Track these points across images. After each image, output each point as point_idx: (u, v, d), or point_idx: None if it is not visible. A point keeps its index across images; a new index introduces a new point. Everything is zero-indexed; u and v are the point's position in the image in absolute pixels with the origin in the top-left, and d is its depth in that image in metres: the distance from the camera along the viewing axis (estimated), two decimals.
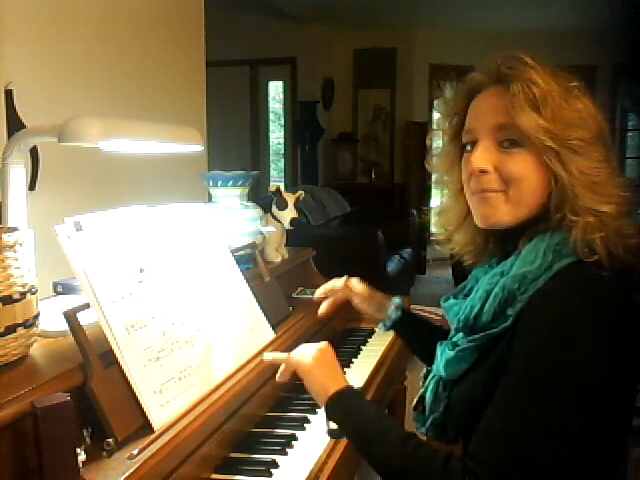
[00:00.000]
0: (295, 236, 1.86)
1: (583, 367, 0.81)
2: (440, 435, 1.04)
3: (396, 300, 1.28)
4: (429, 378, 1.06)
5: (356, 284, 1.35)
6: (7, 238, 0.89)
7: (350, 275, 1.38)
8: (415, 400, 1.12)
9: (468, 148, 0.97)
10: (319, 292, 1.39)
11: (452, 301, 1.03)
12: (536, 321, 0.84)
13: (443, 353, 1.00)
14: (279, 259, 1.78)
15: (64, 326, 0.94)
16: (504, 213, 0.93)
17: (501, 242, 1.02)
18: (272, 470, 1.04)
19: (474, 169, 0.93)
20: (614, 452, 0.91)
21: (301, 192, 1.78)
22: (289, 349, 1.39)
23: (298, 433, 1.19)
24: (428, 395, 1.04)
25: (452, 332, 1.03)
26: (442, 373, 0.99)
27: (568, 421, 0.82)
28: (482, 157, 0.93)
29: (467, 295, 1.00)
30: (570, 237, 0.87)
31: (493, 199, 0.93)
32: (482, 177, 0.93)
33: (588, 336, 0.81)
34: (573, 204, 0.88)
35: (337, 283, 1.37)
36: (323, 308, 1.38)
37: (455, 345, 0.98)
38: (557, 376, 0.81)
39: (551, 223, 0.90)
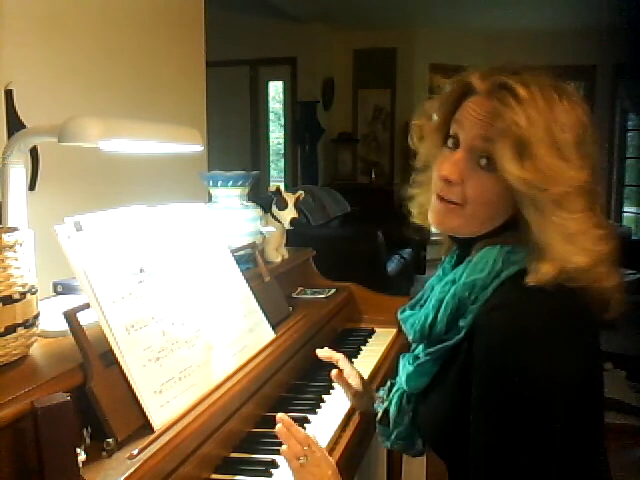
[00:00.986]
0: (295, 236, 1.85)
1: (542, 374, 0.79)
2: (407, 448, 1.04)
3: (380, 392, 1.20)
4: (393, 391, 1.06)
5: (353, 380, 1.24)
6: (7, 238, 0.89)
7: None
8: (380, 413, 1.11)
9: (449, 144, 0.92)
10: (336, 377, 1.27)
11: (408, 312, 1.01)
12: (489, 340, 0.82)
13: (404, 367, 0.99)
14: (279, 259, 1.78)
15: (64, 326, 0.94)
16: (456, 225, 0.92)
17: (459, 247, 1.00)
18: (272, 470, 1.04)
19: (441, 176, 0.90)
20: (592, 455, 0.89)
21: (301, 192, 1.78)
22: (289, 349, 1.40)
23: None
24: (392, 409, 1.03)
25: (413, 345, 1.02)
26: (405, 387, 0.98)
27: (546, 433, 0.79)
28: (452, 169, 0.89)
29: (423, 305, 0.98)
30: (526, 251, 0.85)
31: (448, 210, 0.91)
32: (445, 186, 0.90)
33: (541, 343, 0.79)
34: (545, 251, 0.83)
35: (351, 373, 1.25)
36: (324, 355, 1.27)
37: (416, 358, 0.97)
38: (521, 390, 0.79)
39: (506, 238, 0.89)
